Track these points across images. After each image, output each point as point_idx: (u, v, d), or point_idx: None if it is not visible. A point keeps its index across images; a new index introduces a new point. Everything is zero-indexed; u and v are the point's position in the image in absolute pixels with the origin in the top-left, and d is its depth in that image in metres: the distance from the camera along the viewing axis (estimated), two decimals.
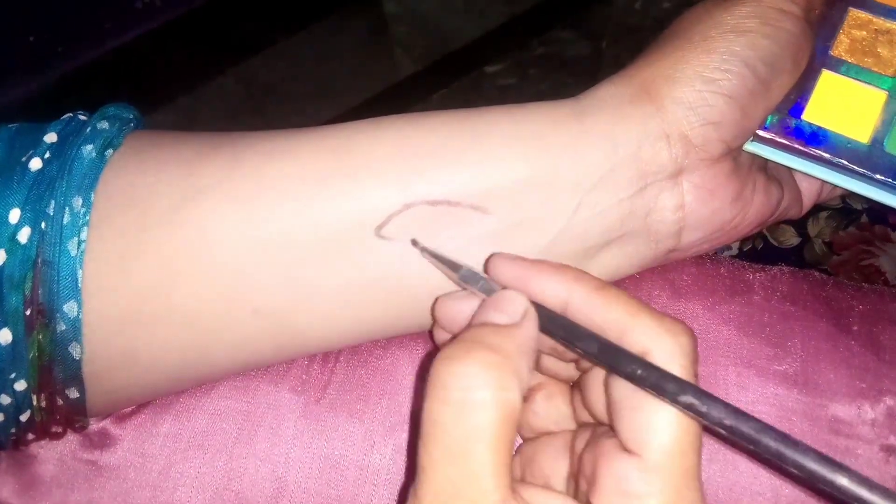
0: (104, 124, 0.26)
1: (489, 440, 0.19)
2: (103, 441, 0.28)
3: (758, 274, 0.31)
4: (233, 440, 0.28)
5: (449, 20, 0.89)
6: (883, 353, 0.29)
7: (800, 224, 0.74)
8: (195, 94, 0.80)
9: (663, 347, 0.20)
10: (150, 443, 0.28)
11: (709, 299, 0.30)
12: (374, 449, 0.28)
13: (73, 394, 0.25)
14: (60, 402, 0.26)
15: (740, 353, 0.29)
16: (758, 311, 0.29)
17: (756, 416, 0.27)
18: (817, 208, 0.73)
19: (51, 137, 0.25)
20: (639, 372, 0.20)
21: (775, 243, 0.73)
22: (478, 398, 0.19)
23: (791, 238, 0.74)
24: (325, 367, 0.29)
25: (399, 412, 0.28)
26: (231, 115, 0.82)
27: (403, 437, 0.28)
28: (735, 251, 0.73)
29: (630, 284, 0.29)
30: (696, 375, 0.21)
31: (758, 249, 0.73)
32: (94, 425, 0.28)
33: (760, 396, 0.28)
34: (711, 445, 0.27)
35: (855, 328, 0.30)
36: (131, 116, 0.28)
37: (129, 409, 0.28)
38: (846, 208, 0.73)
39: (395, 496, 0.27)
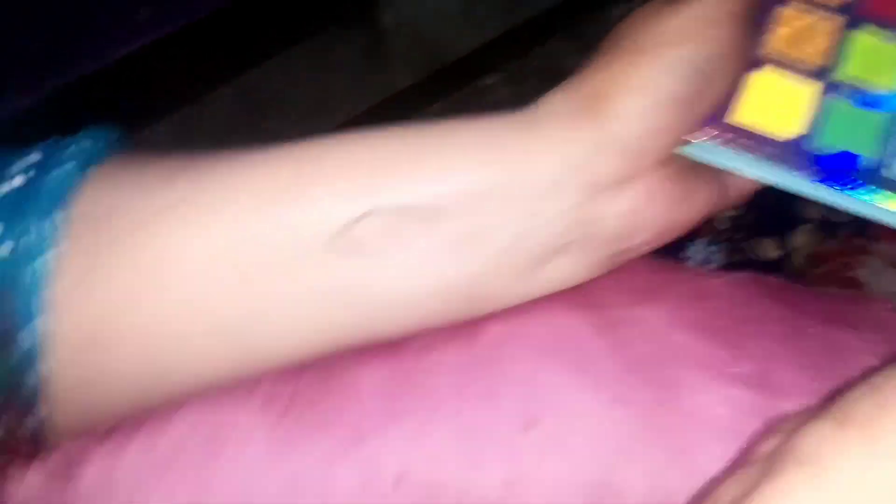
0: (81, 146, 0.27)
1: None
2: (73, 465, 0.29)
3: (715, 280, 0.32)
4: (199, 460, 0.28)
5: (445, 32, 0.90)
6: (839, 354, 0.30)
7: (781, 237, 0.75)
8: (194, 107, 0.81)
9: None
10: (119, 466, 0.29)
11: (666, 305, 0.31)
12: (336, 465, 0.28)
13: (37, 414, 0.26)
14: (24, 426, 0.26)
15: (697, 356, 0.30)
16: (713, 316, 0.31)
17: (714, 418, 0.29)
18: (798, 221, 0.74)
19: (35, 157, 0.26)
20: None
21: (754, 256, 0.74)
22: None
23: (772, 251, 0.75)
24: (290, 384, 0.30)
25: (360, 426, 0.29)
26: (230, 127, 0.83)
27: (367, 450, 0.28)
28: (715, 265, 0.74)
29: (588, 290, 0.31)
30: None
31: (737, 263, 0.74)
32: (64, 448, 0.29)
33: (718, 398, 0.29)
34: None
35: (811, 330, 0.31)
36: (113, 138, 0.29)
37: (98, 432, 0.29)
38: (826, 221, 0.74)
39: None
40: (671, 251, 0.30)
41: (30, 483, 0.29)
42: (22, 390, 0.25)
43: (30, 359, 0.25)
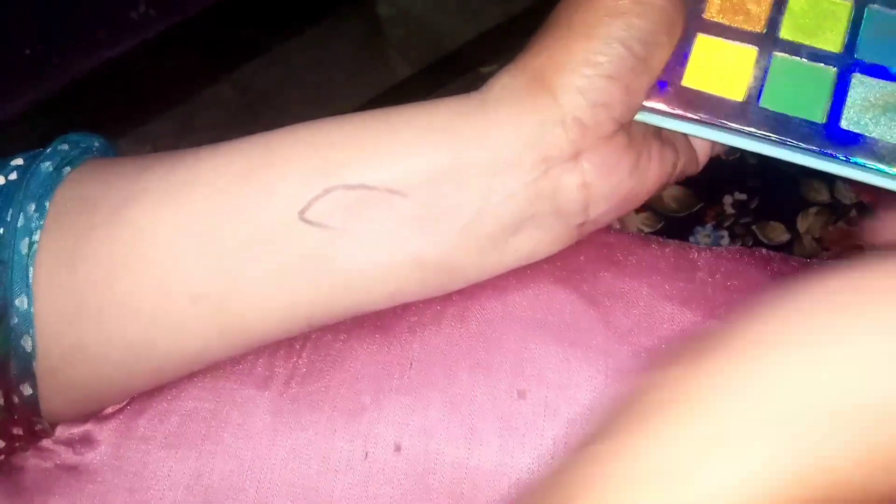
0: (64, 146, 0.31)
1: None
2: (85, 445, 0.31)
3: (702, 253, 0.34)
4: (202, 438, 0.31)
5: (443, 21, 0.93)
6: None
7: (789, 220, 0.77)
8: (191, 103, 0.84)
9: None
10: (126, 446, 0.31)
11: (653, 277, 0.33)
12: (336, 436, 0.30)
13: (27, 390, 0.29)
14: (16, 400, 0.29)
15: (684, 325, 0.31)
16: (701, 287, 0.33)
17: None
18: (806, 204, 0.76)
19: (17, 161, 0.30)
20: None
21: (765, 240, 0.76)
22: None
23: (781, 235, 0.76)
24: (288, 362, 0.32)
25: (358, 401, 0.31)
26: (227, 122, 0.85)
27: (362, 424, 0.31)
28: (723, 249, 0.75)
29: (574, 264, 0.33)
30: None
31: (748, 247, 0.76)
32: (76, 429, 0.31)
33: None
34: None
35: None
36: (96, 144, 0.32)
37: (108, 412, 0.32)
38: (835, 204, 0.76)
39: (355, 482, 0.30)
40: (678, 236, 0.31)
41: (44, 461, 0.31)
42: (14, 362, 0.28)
43: (20, 329, 0.28)
